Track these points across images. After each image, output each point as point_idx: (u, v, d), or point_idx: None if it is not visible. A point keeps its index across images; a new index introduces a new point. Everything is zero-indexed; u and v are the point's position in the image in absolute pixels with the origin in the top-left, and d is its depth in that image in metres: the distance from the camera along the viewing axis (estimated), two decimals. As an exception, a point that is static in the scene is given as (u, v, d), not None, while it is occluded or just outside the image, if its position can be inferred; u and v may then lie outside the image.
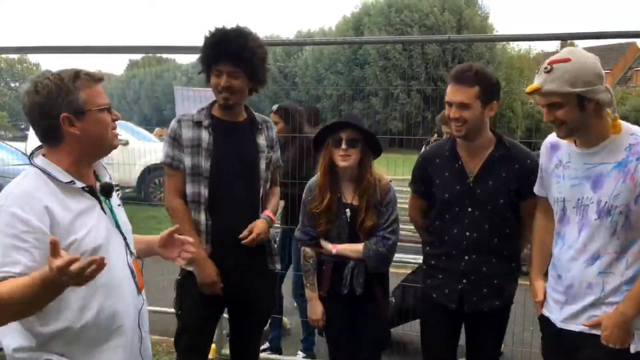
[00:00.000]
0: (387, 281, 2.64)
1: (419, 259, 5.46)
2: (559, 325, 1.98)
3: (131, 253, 1.77)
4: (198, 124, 2.41)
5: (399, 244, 2.52)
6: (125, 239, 1.75)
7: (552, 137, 2.04)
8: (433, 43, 31.55)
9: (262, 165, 2.49)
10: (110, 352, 1.63)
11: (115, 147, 1.69)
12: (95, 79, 1.63)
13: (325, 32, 41.52)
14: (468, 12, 36.22)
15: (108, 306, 1.61)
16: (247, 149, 2.47)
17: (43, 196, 1.52)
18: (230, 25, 2.38)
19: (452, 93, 2.25)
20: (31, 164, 1.61)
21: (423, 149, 3.83)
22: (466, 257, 2.31)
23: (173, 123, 2.45)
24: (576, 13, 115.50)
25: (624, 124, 1.86)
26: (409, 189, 2.63)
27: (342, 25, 40.68)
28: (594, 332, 1.88)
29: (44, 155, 1.64)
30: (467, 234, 2.30)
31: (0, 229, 1.46)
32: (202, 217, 2.40)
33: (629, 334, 1.80)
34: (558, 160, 1.99)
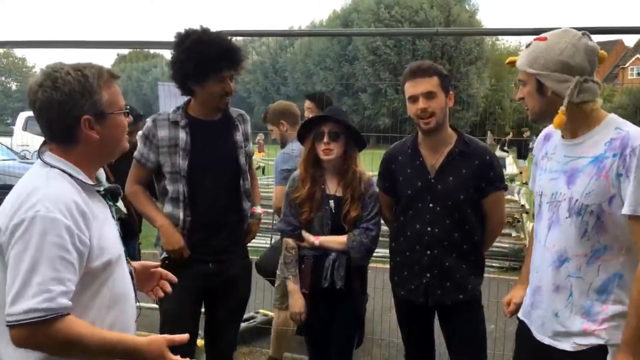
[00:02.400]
0: (366, 277, 2.62)
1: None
2: (533, 333, 1.85)
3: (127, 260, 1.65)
4: (175, 124, 2.43)
5: (381, 239, 2.54)
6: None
7: (548, 128, 1.93)
8: (421, 37, 31.68)
9: (242, 160, 2.54)
10: None
11: (125, 150, 1.58)
12: (115, 76, 1.51)
13: (315, 26, 41.43)
14: (456, 9, 36.40)
15: (122, 318, 1.51)
16: (226, 147, 2.50)
17: (79, 199, 1.38)
18: (195, 24, 2.43)
19: (414, 86, 2.28)
20: (44, 162, 1.44)
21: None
22: (428, 252, 2.33)
23: (149, 122, 2.47)
24: (564, 10, 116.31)
25: (613, 117, 1.71)
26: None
27: (332, 20, 40.67)
28: (562, 347, 1.71)
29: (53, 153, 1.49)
30: (429, 229, 2.33)
31: (43, 239, 1.29)
32: (181, 213, 2.42)
33: None
34: (545, 151, 1.88)
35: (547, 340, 1.78)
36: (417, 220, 2.36)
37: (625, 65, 36.11)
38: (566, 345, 1.71)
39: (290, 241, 2.52)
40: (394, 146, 2.57)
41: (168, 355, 1.38)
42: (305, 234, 2.50)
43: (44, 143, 1.49)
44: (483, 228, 2.42)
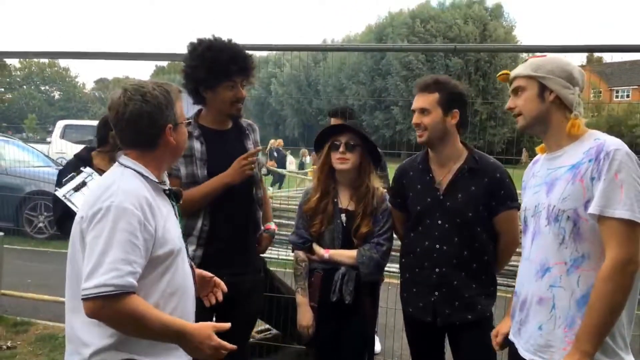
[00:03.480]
0: (377, 293, 2.57)
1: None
2: (519, 350, 1.81)
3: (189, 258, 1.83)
4: (188, 135, 2.45)
5: (395, 254, 2.49)
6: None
7: (537, 156, 1.96)
8: (456, 53, 31.45)
9: (255, 169, 2.53)
10: (179, 352, 1.64)
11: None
12: (181, 92, 1.75)
13: (350, 40, 41.65)
14: (493, 24, 36.06)
15: (180, 308, 1.65)
16: (239, 155, 2.49)
17: (147, 195, 1.58)
18: (241, 40, 2.48)
19: (415, 100, 2.34)
20: (120, 163, 1.66)
21: None
22: (437, 270, 2.30)
23: None
24: (604, 29, 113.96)
25: (593, 131, 1.76)
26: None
27: (366, 35, 40.82)
28: None
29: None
30: (437, 246, 2.30)
31: (116, 226, 1.48)
32: (199, 222, 2.41)
33: None
34: (532, 172, 1.92)
35: (528, 356, 1.75)
36: (426, 237, 2.33)
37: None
38: None
39: (300, 254, 2.51)
40: (406, 161, 2.56)
41: (215, 338, 1.58)
42: (315, 247, 2.48)
43: (119, 149, 1.72)
44: (495, 247, 2.34)
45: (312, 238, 2.49)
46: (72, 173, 2.80)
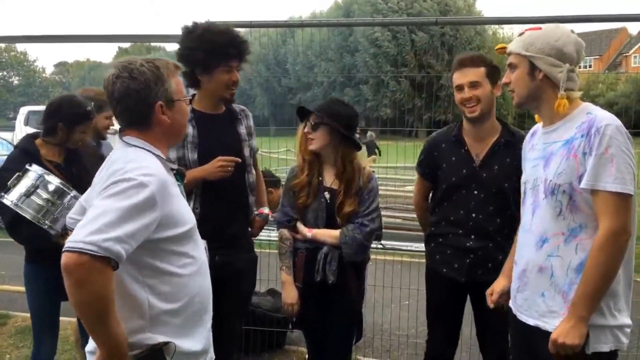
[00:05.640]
0: (363, 272, 2.60)
1: (412, 246, 5.57)
2: (518, 316, 1.91)
3: None
4: None
5: (390, 231, 2.53)
6: None
7: (535, 126, 2.02)
8: (422, 27, 31.48)
9: (247, 152, 2.57)
10: (205, 329, 1.66)
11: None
12: (178, 67, 1.68)
13: (316, 17, 41.20)
14: (452, -1, 36.10)
15: (204, 284, 1.67)
16: (231, 140, 2.53)
17: (163, 172, 1.53)
18: (195, 16, 2.47)
19: (461, 76, 2.38)
20: (127, 143, 1.59)
21: None
22: (472, 236, 2.43)
23: None
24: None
25: (587, 104, 1.81)
26: (400, 177, 2.66)
27: (333, 11, 40.45)
28: (547, 328, 1.76)
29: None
30: (473, 215, 2.42)
31: (120, 199, 1.39)
32: (191, 205, 2.38)
33: (583, 336, 1.67)
34: (531, 144, 1.98)
35: (532, 322, 1.84)
36: (461, 207, 2.45)
37: (629, 53, 35.85)
38: (550, 326, 1.76)
39: (285, 232, 2.52)
40: (437, 133, 2.64)
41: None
42: (299, 226, 2.48)
43: (121, 130, 1.64)
44: None
45: (296, 216, 2.50)
46: (17, 173, 2.39)
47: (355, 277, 2.50)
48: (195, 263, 1.61)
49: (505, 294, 2.07)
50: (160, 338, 1.51)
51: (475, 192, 2.42)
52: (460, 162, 2.46)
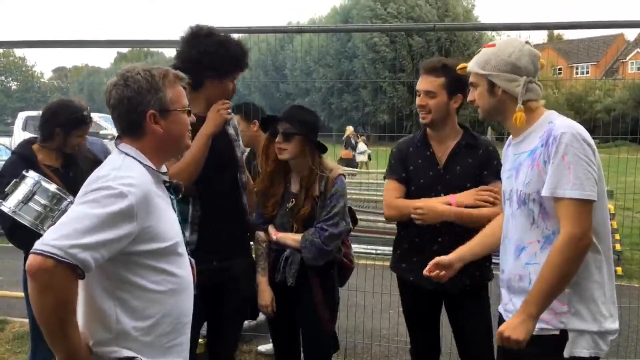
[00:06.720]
0: (330, 276, 2.57)
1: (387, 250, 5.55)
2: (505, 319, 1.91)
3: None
4: None
5: (384, 236, 2.52)
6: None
7: (509, 138, 2.06)
8: (419, 32, 31.62)
9: (238, 153, 2.56)
10: (179, 348, 1.62)
11: (188, 148, 1.74)
12: (180, 78, 1.65)
13: (315, 22, 41.31)
14: (452, 4, 36.30)
15: (183, 305, 1.61)
16: (222, 141, 2.50)
17: (148, 183, 1.52)
18: (194, 21, 2.46)
19: (420, 83, 2.44)
20: (120, 150, 1.58)
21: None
22: (439, 239, 2.40)
23: None
24: (565, 5, 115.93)
25: (550, 112, 1.84)
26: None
27: (331, 17, 40.58)
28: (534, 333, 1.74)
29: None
30: None
31: (101, 205, 1.39)
32: (190, 208, 2.39)
33: (529, 332, 1.69)
34: (506, 156, 2.02)
35: None
36: None
37: (626, 60, 36.00)
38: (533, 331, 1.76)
39: (261, 234, 2.56)
40: (403, 140, 2.67)
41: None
42: (270, 229, 2.53)
43: (118, 137, 1.63)
44: None
45: (266, 219, 2.55)
46: (15, 179, 2.40)
47: (320, 282, 2.49)
48: (174, 281, 1.56)
49: (447, 268, 2.09)
50: (127, 353, 1.48)
51: (442, 194, 2.42)
52: (425, 164, 2.48)
